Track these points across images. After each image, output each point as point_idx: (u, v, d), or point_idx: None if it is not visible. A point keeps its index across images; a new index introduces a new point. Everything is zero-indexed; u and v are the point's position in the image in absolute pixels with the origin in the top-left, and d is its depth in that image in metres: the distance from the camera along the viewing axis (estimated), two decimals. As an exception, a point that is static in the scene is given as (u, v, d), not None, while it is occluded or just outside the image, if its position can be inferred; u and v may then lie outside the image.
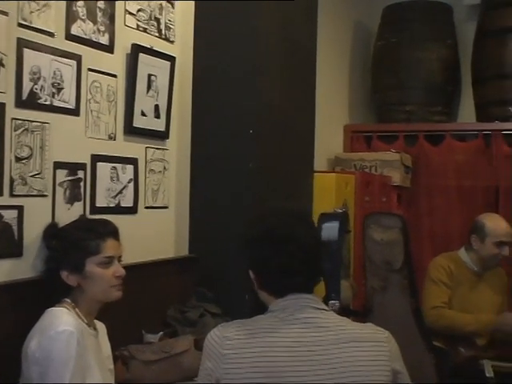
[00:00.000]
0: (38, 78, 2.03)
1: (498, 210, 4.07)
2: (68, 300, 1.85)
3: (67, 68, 2.16)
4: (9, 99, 1.93)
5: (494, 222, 3.38)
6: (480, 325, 3.23)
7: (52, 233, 1.97)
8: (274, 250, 1.54)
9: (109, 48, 2.36)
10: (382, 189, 3.87)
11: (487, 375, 3.00)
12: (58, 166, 2.12)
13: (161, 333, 2.43)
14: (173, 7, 2.71)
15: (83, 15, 2.22)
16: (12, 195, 1.94)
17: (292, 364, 1.44)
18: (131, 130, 2.48)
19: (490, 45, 4.13)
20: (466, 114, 4.48)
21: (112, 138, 2.39)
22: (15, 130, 1.95)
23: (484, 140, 4.13)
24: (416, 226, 4.16)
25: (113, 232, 1.95)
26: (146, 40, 2.54)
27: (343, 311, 2.61)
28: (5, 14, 1.90)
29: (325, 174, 3.35)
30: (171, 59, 2.65)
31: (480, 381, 3.02)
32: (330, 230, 2.56)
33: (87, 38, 2.25)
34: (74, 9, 2.18)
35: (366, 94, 4.69)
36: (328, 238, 2.58)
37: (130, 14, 2.47)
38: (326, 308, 1.57)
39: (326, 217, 2.61)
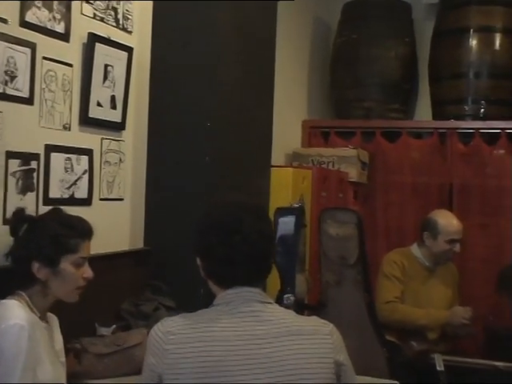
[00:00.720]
0: (-10, 66, 1.99)
1: (452, 207, 4.15)
2: (21, 293, 1.81)
3: (21, 56, 2.11)
4: (-41, 86, 1.88)
5: (446, 220, 3.44)
6: (431, 319, 3.30)
7: (21, 218, 1.93)
8: (219, 241, 1.53)
9: (64, 36, 2.32)
10: (338, 184, 3.90)
11: (438, 369, 3.05)
12: (10, 155, 2.07)
13: (114, 326, 2.41)
14: (131, -3, 2.69)
15: (38, 2, 2.18)
16: (-38, 184, 1.90)
17: (235, 358, 1.43)
18: (87, 121, 2.44)
19: (446, 44, 4.20)
20: (423, 111, 4.54)
21: (67, 128, 2.36)
22: (-35, 118, 1.90)
23: (439, 138, 4.20)
24: (371, 221, 4.21)
25: (90, 232, 1.93)
26: (103, 30, 2.50)
27: (298, 305, 2.63)
28: (-45, -2, 1.85)
29: (282, 169, 3.37)
30: (128, 50, 2.62)
31: (431, 374, 3.08)
32: (286, 224, 2.58)
33: (42, 25, 2.20)
34: (29, -5, 2.14)
35: (325, 90, 4.72)
36: (284, 232, 2.59)
37: (87, 2, 2.43)
38: (271, 301, 1.57)
39: (282, 211, 2.63)
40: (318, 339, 1.51)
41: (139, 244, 2.76)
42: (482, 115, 4.09)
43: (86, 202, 2.47)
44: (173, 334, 1.45)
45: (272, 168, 3.23)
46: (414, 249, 3.51)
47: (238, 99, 2.82)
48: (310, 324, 1.55)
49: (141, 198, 2.75)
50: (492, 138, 4.08)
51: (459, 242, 3.42)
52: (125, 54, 2.60)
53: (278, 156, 3.79)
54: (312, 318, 1.59)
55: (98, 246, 2.47)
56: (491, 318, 3.89)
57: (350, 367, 1.57)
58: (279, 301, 2.46)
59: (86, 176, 2.45)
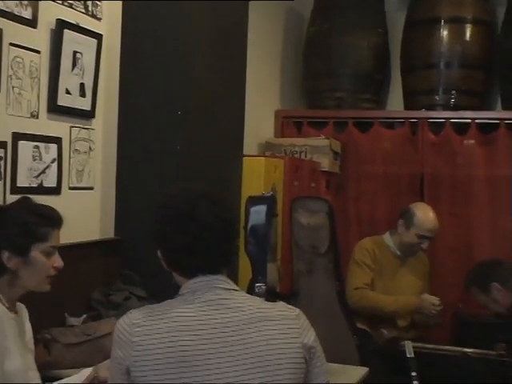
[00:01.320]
0: (-45, 51, 1.95)
1: (423, 197, 4.19)
2: None
3: (-13, 42, 2.08)
4: None
5: (423, 215, 3.47)
6: (399, 305, 3.33)
7: None
8: (175, 230, 1.51)
9: (32, 22, 2.28)
10: (311, 174, 3.91)
11: (408, 356, 3.08)
12: (-24, 143, 2.04)
13: (84, 316, 2.40)
14: (100, -17, 2.65)
15: (4, -13, 2.14)
16: None
17: (202, 347, 1.43)
18: (55, 109, 2.41)
19: (418, 34, 4.22)
20: (395, 101, 4.56)
21: (35, 116, 2.32)
22: None
23: (411, 128, 4.23)
24: (343, 211, 4.23)
25: (60, 221, 1.90)
26: (71, 16, 2.47)
27: (269, 294, 2.63)
28: None
29: (254, 158, 3.36)
30: (98, 37, 2.59)
31: (401, 361, 3.11)
32: (258, 213, 2.57)
33: (9, 11, 2.17)
34: (-5, -20, 2.10)
35: (298, 80, 4.72)
36: (255, 221, 2.59)
37: (55, -12, 2.40)
38: (237, 288, 1.56)
39: (253, 200, 2.62)
40: (284, 324, 1.51)
41: (110, 233, 2.74)
42: (452, 105, 4.12)
43: (55, 190, 2.44)
44: (139, 326, 1.44)
45: (244, 157, 3.22)
46: (386, 237, 3.54)
47: (209, 88, 2.81)
48: (277, 309, 1.55)
49: (111, 187, 2.73)
50: (462, 128, 4.11)
51: (430, 240, 3.46)
52: (94, 41, 2.57)
53: (250, 146, 3.79)
54: (278, 304, 1.59)
55: (68, 235, 2.44)
56: (460, 305, 3.94)
57: (320, 350, 1.57)
58: (250, 289, 2.46)
59: (55, 164, 2.43)
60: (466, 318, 3.80)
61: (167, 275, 2.50)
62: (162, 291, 2.37)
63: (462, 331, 3.73)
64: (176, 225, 1.52)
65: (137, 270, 2.66)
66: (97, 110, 2.64)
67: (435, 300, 3.33)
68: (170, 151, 2.62)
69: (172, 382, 1.40)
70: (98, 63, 2.61)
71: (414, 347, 3.12)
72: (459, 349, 3.34)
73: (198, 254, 1.52)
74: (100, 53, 2.61)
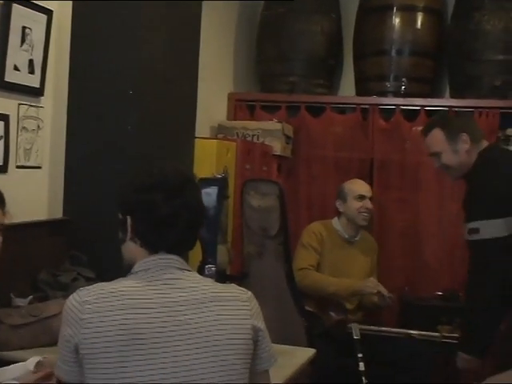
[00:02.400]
0: None
1: (372, 182, 4.25)
2: None
3: None
4: None
5: (352, 182, 3.67)
6: (340, 287, 3.38)
7: None
8: (163, 200, 1.52)
9: (-22, -4, 2.22)
10: (262, 157, 3.92)
11: (355, 337, 3.15)
12: None
13: (30, 297, 2.36)
14: (51, -42, 2.59)
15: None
16: None
17: (153, 325, 1.43)
18: (2, 85, 2.35)
19: (370, 21, 4.26)
20: (347, 87, 4.60)
21: (-19, 92, 2.27)
22: None
23: (362, 114, 4.27)
24: (294, 194, 4.26)
25: (3, 200, 1.86)
26: (20, -10, 2.40)
27: (220, 276, 2.64)
28: None
29: (206, 140, 3.35)
30: (48, 12, 2.53)
31: (348, 343, 3.17)
32: (209, 195, 2.57)
33: (-46, -18, 2.10)
34: None
35: (252, 63, 4.71)
36: (206, 203, 2.58)
37: (4, -40, 2.33)
38: (189, 269, 1.57)
39: (205, 182, 2.62)
40: (236, 305, 1.53)
41: (58, 214, 2.70)
42: (402, 92, 4.18)
43: (2, 169, 2.39)
44: (89, 304, 1.43)
45: (196, 139, 3.21)
46: (335, 221, 3.61)
47: (161, 69, 2.78)
48: (228, 291, 1.56)
49: (60, 166, 2.68)
50: (412, 115, 4.18)
51: (369, 199, 3.57)
52: (44, 17, 2.51)
53: (203, 128, 3.77)
54: (230, 286, 1.60)
55: (15, 215, 2.40)
56: (407, 288, 4.03)
57: (267, 333, 1.60)
58: (200, 271, 2.46)
59: (2, 142, 2.37)
60: (411, 300, 3.90)
61: (116, 256, 2.50)
62: (110, 272, 2.35)
63: (408, 314, 3.83)
64: (164, 195, 1.52)
65: (85, 250, 2.63)
66: (46, 87, 2.58)
67: (377, 284, 3.38)
68: (120, 131, 2.58)
69: (121, 360, 1.39)
70: (48, 40, 2.55)
71: (360, 329, 3.19)
72: (404, 331, 3.42)
73: (173, 230, 1.53)
74: (50, 29, 2.55)
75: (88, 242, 2.64)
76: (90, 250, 2.63)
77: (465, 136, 2.69)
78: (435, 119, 2.94)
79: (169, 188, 1.53)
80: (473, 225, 2.50)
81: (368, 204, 3.56)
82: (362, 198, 3.56)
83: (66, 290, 2.44)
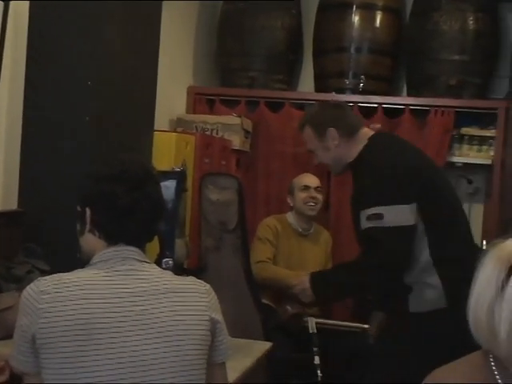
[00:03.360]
0: None
1: (330, 178, 4.29)
2: None
3: None
4: None
5: (298, 176, 3.76)
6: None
7: None
8: (124, 192, 1.52)
9: None
10: (221, 152, 3.92)
11: (311, 331, 3.19)
12: None
13: (-17, 289, 2.32)
14: None
15: None
16: None
17: (111, 315, 1.43)
18: (-44, 73, 2.30)
19: (330, 18, 4.29)
20: (306, 83, 4.63)
21: None
22: None
23: (320, 110, 4.30)
24: (253, 189, 4.27)
25: None
26: (-25, -24, 2.35)
27: (177, 269, 2.63)
28: None
29: (164, 133, 3.34)
30: (4, 0, 2.48)
31: (304, 337, 3.21)
32: (167, 188, 2.56)
33: None
34: None
35: (212, 57, 4.70)
36: (165, 196, 2.57)
37: None
38: (149, 261, 1.58)
39: (163, 175, 2.60)
40: (194, 297, 1.54)
41: (13, 205, 2.65)
42: (361, 89, 4.23)
43: (-46, 158, 2.33)
44: (46, 293, 1.42)
45: (155, 132, 3.18)
46: (289, 216, 3.70)
47: (121, 60, 2.75)
48: (187, 283, 1.57)
49: (15, 156, 2.63)
50: (369, 112, 4.23)
51: (315, 190, 3.65)
52: (1, 4, 2.46)
53: (162, 121, 3.75)
54: (188, 278, 1.61)
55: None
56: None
57: (224, 326, 1.62)
58: (158, 265, 2.42)
59: (-45, 131, 2.32)
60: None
61: (72, 249, 2.47)
62: (65, 265, 2.33)
63: (362, 307, 3.87)
64: (125, 186, 1.51)
65: (40, 243, 2.59)
66: (2, 75, 2.52)
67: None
68: (78, 122, 2.55)
69: (80, 350, 1.39)
70: (5, 28, 2.50)
71: (316, 323, 3.22)
72: (359, 325, 3.47)
73: (133, 222, 1.53)
74: (7, 18, 2.49)
75: (43, 234, 2.60)
76: (45, 242, 2.59)
77: (332, 131, 2.52)
78: (305, 115, 2.77)
79: (130, 180, 1.53)
80: (376, 210, 2.32)
81: (313, 193, 3.64)
82: (306, 188, 3.65)
83: (20, 282, 2.41)
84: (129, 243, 1.54)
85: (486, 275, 1.11)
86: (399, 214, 2.31)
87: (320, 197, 3.69)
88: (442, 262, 2.34)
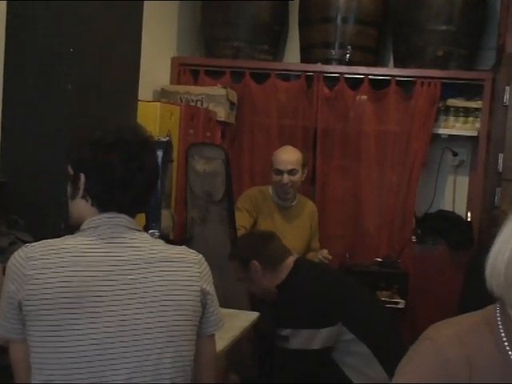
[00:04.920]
0: None
1: (316, 150, 4.28)
2: None
3: None
4: None
5: (277, 152, 3.58)
6: None
7: None
8: (120, 163, 1.48)
9: None
10: (206, 123, 3.87)
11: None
12: None
13: (-34, 261, 2.27)
14: None
15: None
16: None
17: (100, 283, 1.40)
18: None
19: (316, -13, 4.24)
20: (292, 54, 4.58)
21: None
22: None
23: (306, 81, 4.27)
24: (238, 162, 4.24)
25: None
26: None
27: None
28: None
29: (149, 103, 3.28)
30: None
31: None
32: (153, 158, 2.52)
33: None
34: None
35: (196, 28, 4.62)
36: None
37: None
38: (140, 229, 1.55)
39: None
40: (186, 267, 1.51)
41: (-6, 176, 2.60)
42: (347, 60, 4.19)
43: None
44: (34, 260, 1.40)
45: (139, 102, 3.13)
46: (270, 188, 3.61)
47: (104, 28, 2.68)
48: (179, 252, 1.55)
49: (-4, 126, 2.57)
50: (356, 84, 4.20)
51: (288, 173, 3.45)
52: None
53: (145, 92, 3.69)
54: (181, 248, 1.59)
55: None
56: (347, 255, 4.09)
57: (216, 298, 1.60)
58: (144, 236, 2.43)
59: None
60: (351, 267, 3.97)
61: (55, 220, 2.43)
62: (48, 236, 2.29)
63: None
64: (122, 157, 1.48)
65: (22, 214, 2.54)
66: (-19, 43, 2.46)
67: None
68: (60, 90, 2.49)
69: (66, 318, 1.36)
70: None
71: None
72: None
73: (127, 193, 1.49)
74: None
75: (25, 205, 2.55)
76: (28, 213, 2.54)
77: (255, 264, 2.54)
78: (233, 249, 2.79)
79: (127, 150, 1.49)
80: (284, 332, 2.37)
81: (285, 179, 3.44)
82: (279, 172, 3.46)
83: (4, 253, 2.36)
84: (120, 211, 1.51)
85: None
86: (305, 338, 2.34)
87: (294, 178, 3.48)
88: None
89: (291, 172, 3.46)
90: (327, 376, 2.35)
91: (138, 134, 1.56)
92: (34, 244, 1.44)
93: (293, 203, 3.61)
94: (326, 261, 3.41)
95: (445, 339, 1.11)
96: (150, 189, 1.57)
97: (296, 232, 3.58)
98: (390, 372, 2.28)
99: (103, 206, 1.51)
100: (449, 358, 1.09)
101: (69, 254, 1.41)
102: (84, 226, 1.50)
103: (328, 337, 2.32)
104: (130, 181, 1.49)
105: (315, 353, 2.32)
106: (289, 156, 3.50)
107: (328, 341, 2.33)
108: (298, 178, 3.50)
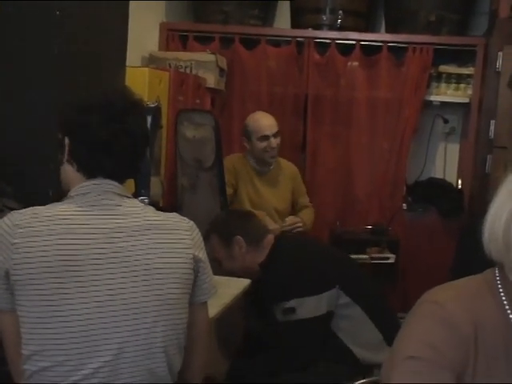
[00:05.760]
0: None
1: (306, 117, 4.24)
2: None
3: None
4: None
5: (254, 120, 3.53)
6: None
7: None
8: (100, 124, 1.44)
9: None
10: (196, 90, 3.81)
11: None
12: None
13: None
14: None
15: None
16: None
17: (89, 251, 1.37)
18: None
19: (307, -50, 4.15)
20: (282, 20, 4.51)
21: None
22: None
23: (297, 47, 4.21)
24: (228, 130, 4.19)
25: None
26: None
27: (152, 208, 2.59)
28: None
29: (137, 69, 3.22)
30: None
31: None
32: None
33: None
34: None
35: (185, -8, 4.54)
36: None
37: None
38: (130, 195, 1.51)
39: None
40: (177, 234, 1.49)
41: (-21, 142, 2.54)
42: (338, 25, 4.13)
43: None
44: (21, 228, 1.36)
45: (127, 68, 3.07)
46: (248, 155, 3.57)
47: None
48: (170, 219, 1.52)
49: (-19, 91, 2.51)
50: (347, 50, 4.15)
51: (274, 136, 3.45)
52: None
53: (134, 58, 3.62)
54: (172, 214, 1.56)
55: None
56: (338, 223, 4.09)
57: (208, 265, 1.57)
58: (133, 203, 2.40)
59: None
60: (342, 234, 3.96)
61: (43, 187, 2.39)
62: (36, 204, 2.26)
63: (339, 247, 3.88)
64: (102, 119, 1.43)
65: (9, 181, 2.50)
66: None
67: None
68: (45, 55, 2.43)
69: (56, 286, 1.34)
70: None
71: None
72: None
73: (111, 157, 1.45)
74: None
75: (13, 171, 2.51)
76: (15, 180, 2.50)
77: (239, 239, 2.51)
78: (212, 224, 2.70)
79: (108, 111, 1.45)
80: (289, 304, 2.33)
81: (272, 143, 3.44)
82: (265, 138, 3.44)
83: (-10, 221, 2.34)
84: (107, 177, 1.47)
85: (509, 189, 1.10)
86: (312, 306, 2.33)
87: (278, 140, 3.49)
88: None
89: (276, 135, 3.47)
90: (326, 344, 2.36)
91: (124, 96, 1.51)
92: (21, 211, 1.41)
93: (271, 167, 3.58)
94: (300, 229, 3.40)
95: (450, 303, 1.10)
96: (138, 154, 1.52)
97: (278, 194, 3.56)
98: (384, 333, 2.32)
99: (88, 171, 1.47)
100: (456, 321, 1.08)
101: (57, 222, 1.37)
102: (72, 193, 1.46)
103: (330, 301, 2.33)
104: (113, 143, 1.44)
105: (321, 319, 2.32)
106: (269, 120, 3.52)
107: (330, 305, 2.33)
108: (279, 140, 3.50)
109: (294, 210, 3.69)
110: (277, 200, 3.54)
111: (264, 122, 3.50)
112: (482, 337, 1.08)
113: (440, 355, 1.06)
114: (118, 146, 1.45)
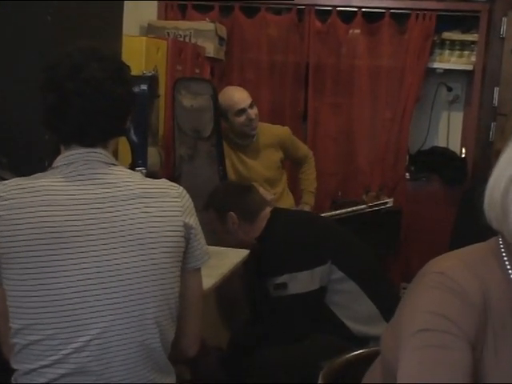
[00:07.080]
0: None
1: (307, 87, 4.18)
2: None
3: None
4: None
5: (226, 97, 3.31)
6: None
7: None
8: (51, 87, 1.39)
9: None
10: (195, 59, 3.76)
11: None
12: None
13: None
14: None
15: None
16: None
17: (75, 223, 1.33)
18: None
19: None
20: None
21: None
22: None
23: (297, 15, 4.14)
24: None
25: None
26: None
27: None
28: None
29: (134, 38, 3.17)
30: None
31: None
32: (138, 93, 2.45)
33: None
34: None
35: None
36: (136, 101, 2.47)
37: None
38: (116, 163, 1.46)
39: (133, 79, 2.48)
40: (165, 201, 1.45)
41: (-26, 113, 2.51)
42: (340, -8, 4.05)
43: None
44: (5, 200, 1.33)
45: (124, 37, 3.02)
46: (227, 132, 3.38)
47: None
48: (158, 186, 1.47)
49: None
50: (348, 17, 4.08)
51: (250, 107, 3.30)
52: None
53: (131, 28, 3.56)
54: (160, 181, 1.51)
55: None
56: (339, 193, 4.06)
57: (200, 231, 1.53)
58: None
59: None
60: (343, 204, 3.93)
61: (39, 158, 2.36)
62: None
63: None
64: (53, 81, 1.38)
65: (5, 152, 2.47)
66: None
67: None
68: (40, 21, 2.38)
69: (42, 260, 1.31)
70: None
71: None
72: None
73: (70, 118, 1.40)
74: None
75: (7, 143, 2.48)
76: (11, 151, 2.47)
77: (232, 215, 2.50)
78: (209, 197, 2.67)
79: (70, 64, 1.38)
80: (281, 279, 2.32)
81: (251, 114, 3.28)
82: (242, 111, 3.27)
83: (-14, 192, 2.31)
84: (88, 145, 1.43)
85: (509, 155, 1.07)
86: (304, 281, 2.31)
87: (256, 110, 3.32)
88: None
89: (251, 105, 3.31)
90: (320, 318, 2.34)
91: (87, 48, 1.43)
92: (4, 182, 1.37)
93: (253, 139, 3.41)
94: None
95: (458, 272, 1.07)
96: (115, 115, 1.43)
97: (264, 163, 3.43)
98: (380, 306, 2.31)
99: (62, 139, 1.42)
100: (466, 290, 1.04)
101: (42, 193, 1.34)
102: (56, 163, 1.42)
103: (323, 276, 2.31)
104: (73, 98, 1.37)
105: (313, 294, 2.31)
106: (241, 93, 3.35)
107: (323, 280, 2.31)
108: (256, 109, 3.35)
109: (296, 166, 3.65)
110: (265, 169, 3.43)
111: (237, 96, 3.32)
112: (489, 306, 1.04)
113: (454, 325, 1.01)
114: (82, 100, 1.37)
